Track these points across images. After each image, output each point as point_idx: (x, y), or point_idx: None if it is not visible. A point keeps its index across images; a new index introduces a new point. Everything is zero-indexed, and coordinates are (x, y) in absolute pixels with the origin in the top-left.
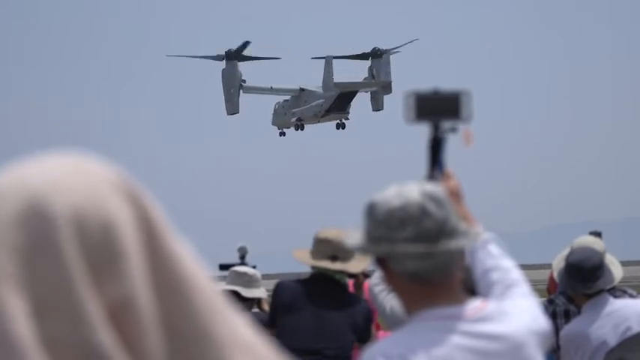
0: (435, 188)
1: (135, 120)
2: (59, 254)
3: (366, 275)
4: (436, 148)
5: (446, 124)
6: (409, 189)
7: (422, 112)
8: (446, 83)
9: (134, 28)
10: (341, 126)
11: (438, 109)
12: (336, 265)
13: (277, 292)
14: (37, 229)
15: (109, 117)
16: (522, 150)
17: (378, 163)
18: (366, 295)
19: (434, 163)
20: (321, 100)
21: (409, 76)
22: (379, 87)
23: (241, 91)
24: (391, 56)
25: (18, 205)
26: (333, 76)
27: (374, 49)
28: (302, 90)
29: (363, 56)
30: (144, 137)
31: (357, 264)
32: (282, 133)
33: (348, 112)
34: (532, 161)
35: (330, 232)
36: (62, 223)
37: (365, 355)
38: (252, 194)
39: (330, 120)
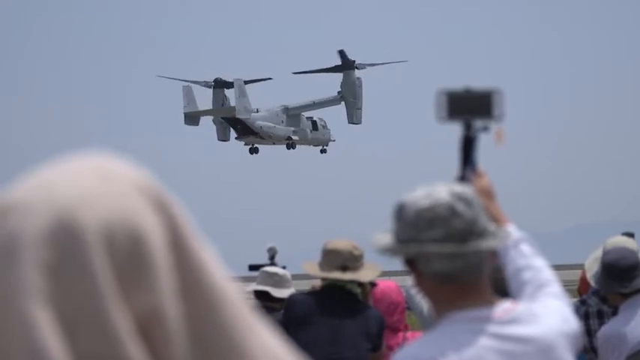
0: (465, 189)
1: (153, 120)
2: (88, 269)
3: (373, 284)
4: (468, 146)
5: (478, 123)
6: (438, 190)
7: (454, 111)
8: (447, 84)
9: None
10: (291, 146)
11: (470, 107)
12: (348, 275)
13: (290, 307)
14: (66, 245)
15: (119, 117)
16: (553, 149)
17: (406, 164)
18: (373, 302)
19: (466, 162)
20: None
21: (408, 78)
22: (229, 114)
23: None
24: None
25: (46, 220)
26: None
27: (347, 61)
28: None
29: (335, 69)
30: (160, 138)
31: (368, 273)
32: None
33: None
34: (563, 160)
35: (339, 243)
36: (91, 238)
37: (396, 358)
38: (281, 195)
39: (259, 142)
